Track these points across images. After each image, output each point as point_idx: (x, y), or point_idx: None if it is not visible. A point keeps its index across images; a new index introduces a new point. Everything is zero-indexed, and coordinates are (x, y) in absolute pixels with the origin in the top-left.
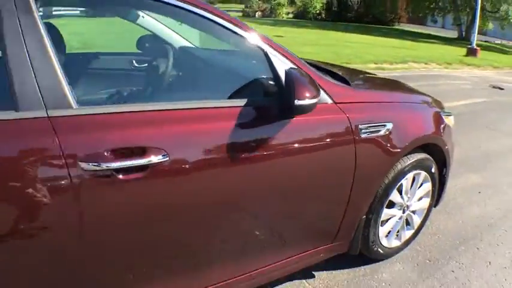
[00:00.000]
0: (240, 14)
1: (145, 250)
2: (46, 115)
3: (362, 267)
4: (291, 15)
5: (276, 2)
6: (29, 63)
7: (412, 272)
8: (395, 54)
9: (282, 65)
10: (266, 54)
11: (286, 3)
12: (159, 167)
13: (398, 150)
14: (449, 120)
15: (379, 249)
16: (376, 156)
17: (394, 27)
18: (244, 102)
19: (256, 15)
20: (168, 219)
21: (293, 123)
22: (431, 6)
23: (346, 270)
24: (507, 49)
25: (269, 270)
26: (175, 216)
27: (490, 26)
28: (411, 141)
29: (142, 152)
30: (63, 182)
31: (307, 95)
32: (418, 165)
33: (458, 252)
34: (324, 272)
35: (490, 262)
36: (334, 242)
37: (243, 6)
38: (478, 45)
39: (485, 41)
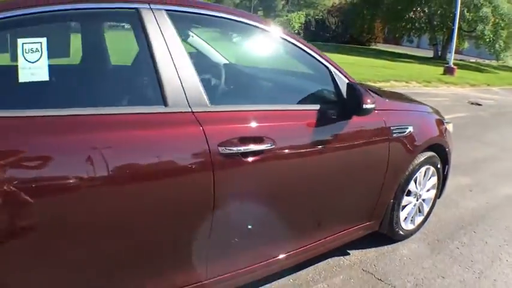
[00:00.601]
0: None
1: (257, 215)
2: (191, 110)
3: (385, 246)
4: None
5: None
6: (176, 71)
7: (426, 249)
8: (377, 73)
9: (342, 80)
10: (330, 71)
11: None
12: (269, 152)
13: (416, 148)
14: (449, 127)
15: (399, 231)
16: (402, 152)
17: (371, 47)
18: (318, 107)
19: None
20: (273, 192)
21: (351, 123)
22: (408, 26)
23: (373, 249)
24: (482, 67)
25: (325, 242)
26: (279, 190)
27: (466, 45)
28: (424, 141)
29: (260, 140)
30: (205, 161)
31: (369, 101)
32: (428, 161)
33: (459, 234)
34: (356, 250)
35: (486, 242)
36: (370, 221)
37: None
38: (454, 64)
39: (460, 60)
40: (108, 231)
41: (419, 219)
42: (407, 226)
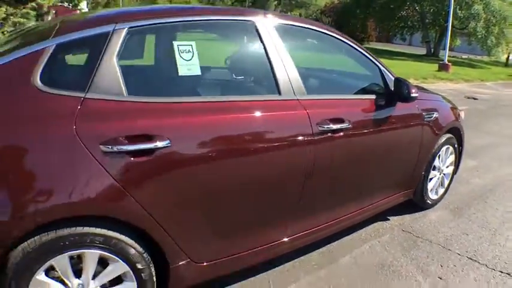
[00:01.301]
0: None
1: (339, 178)
2: (296, 98)
3: (415, 213)
4: None
5: None
6: (285, 69)
7: (449, 215)
8: None
9: (389, 76)
10: (381, 70)
11: None
12: (347, 130)
13: (440, 130)
14: (461, 114)
15: (427, 200)
16: (430, 132)
17: (364, 45)
18: (374, 97)
19: None
20: (349, 160)
21: (396, 109)
22: (401, 25)
23: (407, 215)
24: (474, 63)
25: (377, 205)
26: (352, 159)
27: (458, 42)
28: (446, 124)
29: (341, 121)
30: (308, 138)
31: (414, 90)
32: (448, 141)
33: (473, 203)
34: (394, 216)
35: (496, 208)
36: (407, 190)
37: None
38: (448, 60)
39: (453, 57)
40: (247, 189)
41: (441, 190)
42: (433, 196)
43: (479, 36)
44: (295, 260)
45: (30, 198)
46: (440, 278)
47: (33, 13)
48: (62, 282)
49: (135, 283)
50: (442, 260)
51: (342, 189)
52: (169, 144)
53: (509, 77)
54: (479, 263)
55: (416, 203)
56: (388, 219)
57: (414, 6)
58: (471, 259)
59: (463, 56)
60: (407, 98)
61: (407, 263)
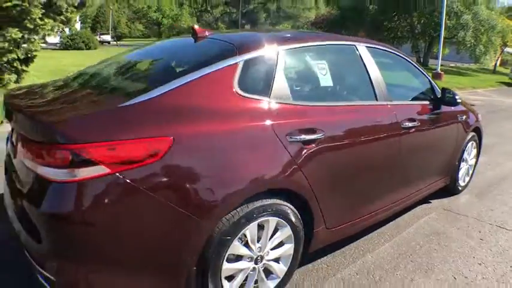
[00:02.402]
0: None
1: (410, 163)
2: (386, 103)
3: (449, 197)
4: None
5: None
6: (378, 79)
7: (475, 198)
8: None
9: (435, 86)
10: (430, 81)
11: None
12: (416, 127)
13: (468, 128)
14: (479, 116)
15: (458, 186)
16: (462, 130)
17: None
18: (424, 102)
19: None
20: (416, 149)
21: (441, 112)
22: (391, 36)
23: (443, 199)
24: (463, 71)
25: (429, 187)
26: (417, 149)
27: (447, 50)
28: (472, 124)
29: (413, 120)
30: (396, 132)
31: (458, 97)
32: (472, 138)
33: (492, 188)
34: (434, 200)
35: (511, 192)
36: (445, 177)
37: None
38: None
39: (442, 65)
40: (366, 167)
41: (467, 179)
42: (462, 183)
43: (468, 45)
44: (374, 232)
45: (241, 176)
46: (482, 240)
47: (61, 26)
48: (247, 246)
49: (292, 245)
50: (479, 228)
51: (413, 171)
52: (322, 136)
53: (498, 84)
54: (506, 229)
55: (449, 189)
56: (430, 202)
57: (404, 17)
58: (499, 227)
59: (451, 65)
60: (454, 103)
61: (455, 231)
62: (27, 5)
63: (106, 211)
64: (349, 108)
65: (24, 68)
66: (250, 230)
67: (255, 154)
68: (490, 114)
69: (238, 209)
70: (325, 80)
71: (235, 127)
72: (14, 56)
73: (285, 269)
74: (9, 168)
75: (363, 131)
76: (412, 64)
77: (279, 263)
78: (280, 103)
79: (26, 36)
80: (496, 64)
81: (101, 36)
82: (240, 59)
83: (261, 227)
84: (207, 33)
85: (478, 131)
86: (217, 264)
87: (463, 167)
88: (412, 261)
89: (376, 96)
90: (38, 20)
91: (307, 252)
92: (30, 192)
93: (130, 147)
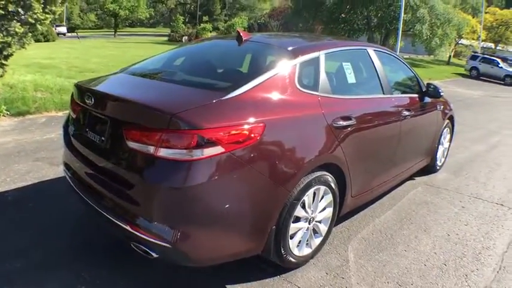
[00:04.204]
0: (166, 38)
1: (407, 141)
2: (390, 96)
3: (426, 176)
4: None
5: (201, 27)
6: (384, 76)
7: (451, 175)
8: None
9: (421, 82)
10: (416, 76)
11: (210, 28)
12: (410, 115)
13: (444, 117)
14: (452, 106)
15: (437, 166)
16: (440, 118)
17: None
18: (414, 95)
19: (183, 40)
20: (410, 132)
21: (426, 103)
22: (347, 28)
23: (424, 177)
24: (417, 62)
25: (417, 165)
26: (410, 132)
27: (402, 43)
28: (447, 113)
29: (409, 110)
30: (399, 118)
31: (441, 91)
32: (447, 125)
33: (464, 168)
34: (416, 177)
35: (480, 171)
36: (427, 158)
37: (168, 30)
38: None
39: None
40: (383, 144)
41: (443, 160)
42: (439, 163)
43: (425, 38)
44: (375, 203)
45: (308, 153)
46: (463, 207)
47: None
48: (304, 209)
49: (331, 209)
50: (460, 198)
51: (407, 151)
52: (354, 122)
53: (455, 75)
54: (481, 199)
55: (430, 168)
56: (415, 179)
57: (361, 10)
58: (476, 197)
59: (405, 56)
60: (437, 96)
61: (440, 201)
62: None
63: (221, 182)
64: (367, 100)
65: (4, 62)
66: (308, 196)
67: (315, 136)
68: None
69: (304, 179)
70: (351, 77)
71: (301, 116)
72: (11, 50)
73: (326, 228)
74: (82, 155)
75: (378, 118)
76: (403, 63)
77: (322, 224)
78: (325, 96)
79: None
80: (450, 56)
81: (57, 28)
82: (297, 62)
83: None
84: (248, 36)
85: (451, 118)
86: (288, 224)
87: (440, 149)
88: (412, 223)
89: (383, 91)
90: (38, 14)
91: (338, 216)
92: (144, 172)
93: (238, 131)
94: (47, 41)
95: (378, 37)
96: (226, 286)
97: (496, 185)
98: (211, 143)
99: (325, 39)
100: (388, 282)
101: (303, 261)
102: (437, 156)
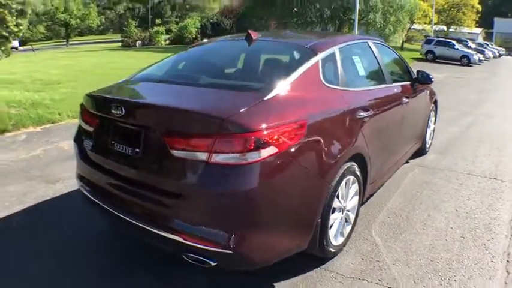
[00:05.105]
0: (120, 44)
1: (407, 125)
2: (391, 85)
3: (418, 159)
4: (167, 42)
5: (154, 30)
6: (385, 66)
7: (439, 156)
8: None
9: (411, 70)
10: (406, 64)
11: (164, 30)
12: (408, 101)
13: (431, 100)
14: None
15: (426, 148)
16: (428, 102)
17: None
18: (408, 82)
19: (137, 45)
20: (410, 116)
21: (419, 87)
22: (300, 21)
23: (416, 159)
24: None
25: (410, 152)
26: (408, 116)
27: (356, 32)
28: (433, 97)
29: (407, 97)
30: (401, 103)
31: (432, 77)
32: (433, 109)
33: (449, 148)
34: (411, 160)
35: (465, 150)
36: (419, 140)
37: (118, 36)
38: None
39: None
40: (395, 128)
41: (430, 142)
42: (427, 145)
43: (378, 26)
44: (381, 188)
45: (343, 145)
46: (461, 184)
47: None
48: (339, 200)
49: (357, 197)
50: (455, 176)
51: (408, 134)
52: (371, 112)
53: (411, 60)
54: (475, 175)
55: (420, 151)
56: (409, 162)
57: (313, 3)
58: (470, 174)
59: None
60: (429, 81)
61: (438, 180)
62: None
63: (276, 182)
64: (376, 90)
65: None
66: (342, 187)
67: (345, 128)
68: None
69: (340, 170)
70: (361, 70)
71: (332, 110)
72: None
73: (353, 216)
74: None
75: (386, 107)
76: (394, 52)
77: (350, 212)
78: (345, 90)
79: None
80: (403, 41)
81: None
82: (319, 58)
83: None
84: (257, 36)
85: (436, 102)
86: (328, 216)
87: (428, 132)
88: (421, 203)
89: (385, 80)
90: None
91: (361, 203)
92: (197, 180)
93: (287, 129)
94: None
95: (331, 28)
96: (274, 285)
97: (483, 161)
98: (266, 144)
99: (326, 35)
100: (420, 259)
101: (339, 250)
102: (426, 139)
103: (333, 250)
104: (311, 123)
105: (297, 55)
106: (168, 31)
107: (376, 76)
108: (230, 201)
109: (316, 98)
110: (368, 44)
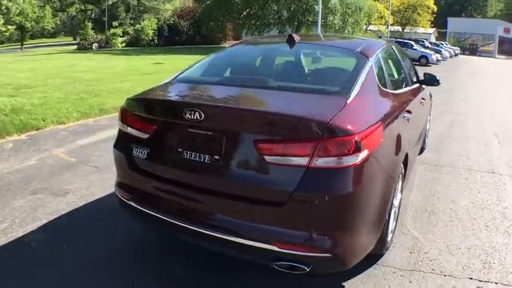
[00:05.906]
0: (76, 47)
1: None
2: (411, 87)
3: (420, 156)
4: (124, 44)
5: (111, 32)
6: (408, 71)
7: (435, 154)
8: None
9: (417, 72)
10: (414, 69)
11: (120, 33)
12: (422, 101)
13: (430, 104)
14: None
15: (424, 147)
16: (429, 101)
17: (222, 45)
18: (417, 84)
19: (94, 47)
20: (418, 114)
21: (424, 89)
22: (258, 23)
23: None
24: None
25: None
26: (418, 113)
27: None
28: (430, 102)
29: (423, 98)
30: (422, 101)
31: (439, 78)
32: (429, 112)
33: (441, 146)
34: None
35: (458, 145)
36: (420, 139)
37: (71, 39)
38: None
39: None
40: (418, 127)
41: (427, 140)
42: (425, 145)
43: (337, 28)
44: None
45: (403, 145)
46: (467, 178)
47: None
48: (395, 195)
49: (400, 194)
50: (458, 172)
51: (420, 133)
52: (411, 115)
53: None
54: (475, 170)
55: (421, 150)
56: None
57: (271, 5)
58: (470, 169)
59: None
60: (436, 83)
61: (445, 176)
62: None
63: (369, 183)
64: (407, 92)
65: None
66: (397, 183)
67: (401, 129)
68: None
69: (402, 169)
70: (395, 73)
71: (391, 112)
72: None
73: (398, 212)
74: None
75: (414, 108)
76: (406, 55)
77: (396, 208)
78: (393, 93)
79: None
80: None
81: None
82: (371, 62)
83: None
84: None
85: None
86: (390, 213)
87: (427, 129)
88: (439, 198)
89: (408, 82)
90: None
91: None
92: (297, 185)
93: (376, 132)
94: None
95: (288, 29)
96: (343, 284)
97: (478, 157)
98: (362, 147)
99: (357, 38)
100: (459, 248)
101: (390, 245)
102: (426, 136)
103: (388, 245)
104: (385, 125)
105: (352, 59)
106: (124, 33)
107: (403, 78)
108: (332, 205)
109: (380, 101)
110: (393, 48)
